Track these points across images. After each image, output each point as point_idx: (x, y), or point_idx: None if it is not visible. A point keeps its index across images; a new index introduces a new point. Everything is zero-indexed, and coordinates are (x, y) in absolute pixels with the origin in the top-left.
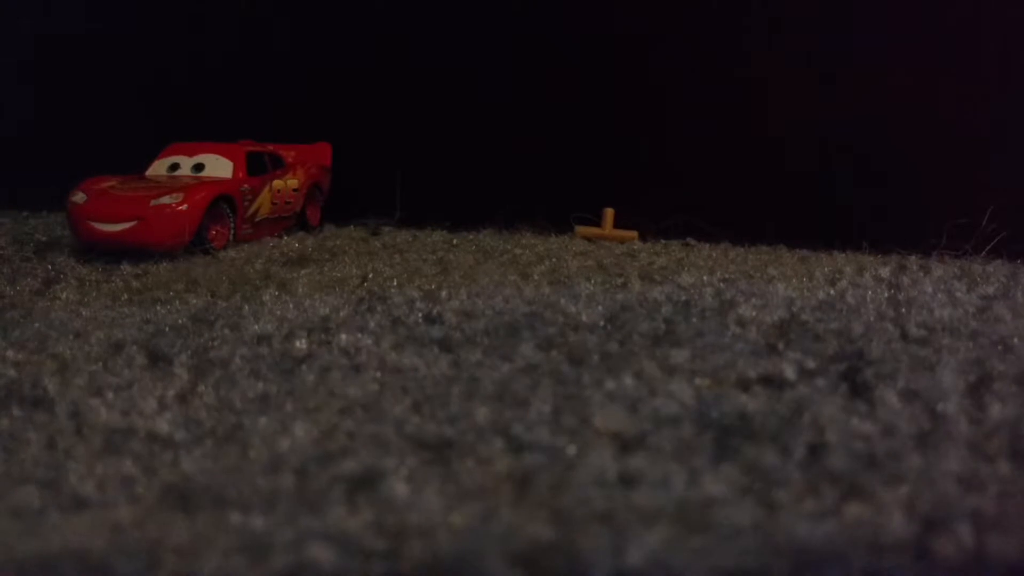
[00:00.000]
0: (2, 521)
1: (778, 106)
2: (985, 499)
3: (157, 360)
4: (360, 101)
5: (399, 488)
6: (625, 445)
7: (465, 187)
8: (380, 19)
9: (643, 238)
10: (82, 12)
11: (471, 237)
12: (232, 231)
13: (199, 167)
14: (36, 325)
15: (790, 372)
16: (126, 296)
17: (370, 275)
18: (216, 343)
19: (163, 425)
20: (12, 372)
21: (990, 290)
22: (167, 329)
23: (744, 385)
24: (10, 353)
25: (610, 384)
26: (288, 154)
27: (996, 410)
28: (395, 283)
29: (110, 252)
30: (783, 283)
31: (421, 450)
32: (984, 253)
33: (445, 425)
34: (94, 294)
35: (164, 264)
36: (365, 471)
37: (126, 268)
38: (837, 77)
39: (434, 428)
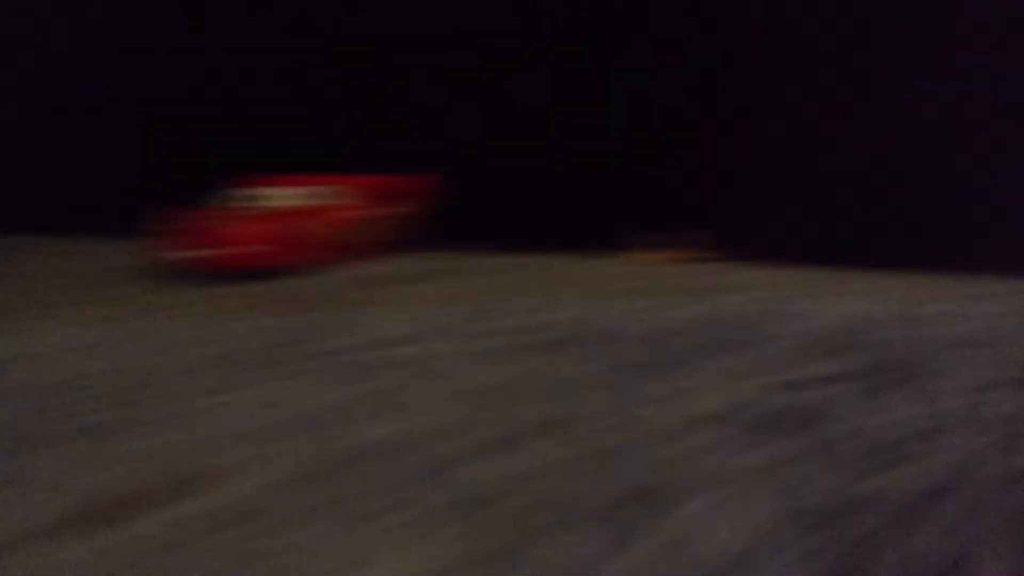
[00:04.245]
0: None
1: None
2: None
3: (237, 364)
4: (464, 136)
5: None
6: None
7: (524, 209)
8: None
9: (699, 259)
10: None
11: (545, 258)
12: (341, 254)
13: (308, 196)
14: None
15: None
16: (219, 313)
17: (475, 292)
18: (327, 351)
19: None
20: None
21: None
22: (253, 344)
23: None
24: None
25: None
26: (392, 185)
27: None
28: (499, 298)
29: (194, 276)
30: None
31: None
32: None
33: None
34: (184, 314)
35: (258, 286)
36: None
37: (214, 291)
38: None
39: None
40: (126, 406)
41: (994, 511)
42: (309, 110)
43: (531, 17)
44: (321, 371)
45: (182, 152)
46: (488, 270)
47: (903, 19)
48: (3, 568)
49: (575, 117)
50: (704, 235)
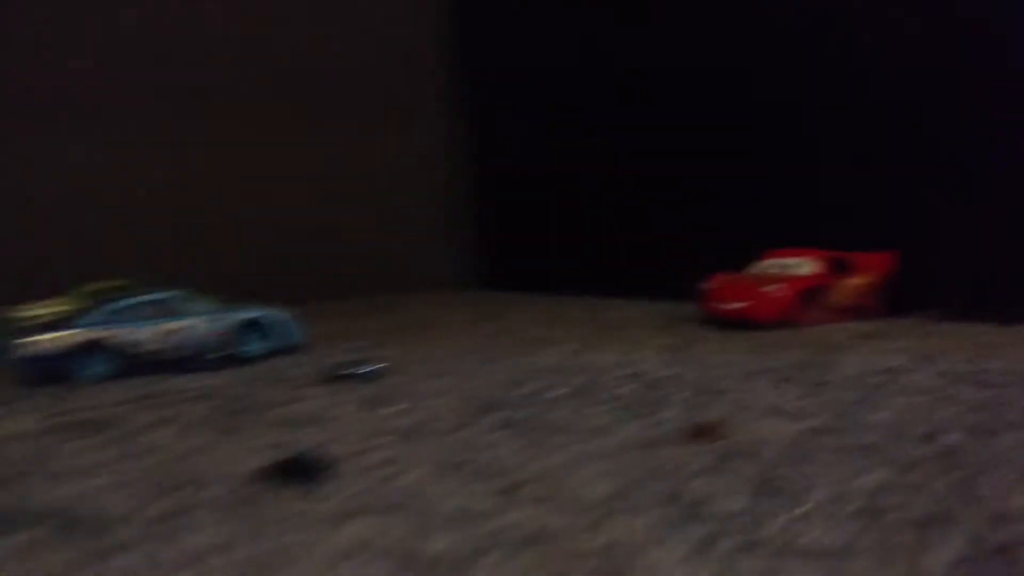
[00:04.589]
0: None
1: None
2: None
3: (781, 381)
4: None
5: None
6: None
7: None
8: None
9: None
10: None
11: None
12: (814, 314)
13: (791, 267)
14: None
15: None
16: (748, 347)
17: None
18: (823, 372)
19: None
20: None
21: None
22: (785, 364)
23: None
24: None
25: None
26: (859, 260)
27: None
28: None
29: (728, 324)
30: None
31: None
32: None
33: None
34: (726, 346)
35: (769, 333)
36: None
37: (740, 334)
38: None
39: None
40: (700, 395)
41: None
42: (822, 193)
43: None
44: (823, 383)
45: (728, 229)
46: (929, 333)
47: None
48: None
49: None
50: None
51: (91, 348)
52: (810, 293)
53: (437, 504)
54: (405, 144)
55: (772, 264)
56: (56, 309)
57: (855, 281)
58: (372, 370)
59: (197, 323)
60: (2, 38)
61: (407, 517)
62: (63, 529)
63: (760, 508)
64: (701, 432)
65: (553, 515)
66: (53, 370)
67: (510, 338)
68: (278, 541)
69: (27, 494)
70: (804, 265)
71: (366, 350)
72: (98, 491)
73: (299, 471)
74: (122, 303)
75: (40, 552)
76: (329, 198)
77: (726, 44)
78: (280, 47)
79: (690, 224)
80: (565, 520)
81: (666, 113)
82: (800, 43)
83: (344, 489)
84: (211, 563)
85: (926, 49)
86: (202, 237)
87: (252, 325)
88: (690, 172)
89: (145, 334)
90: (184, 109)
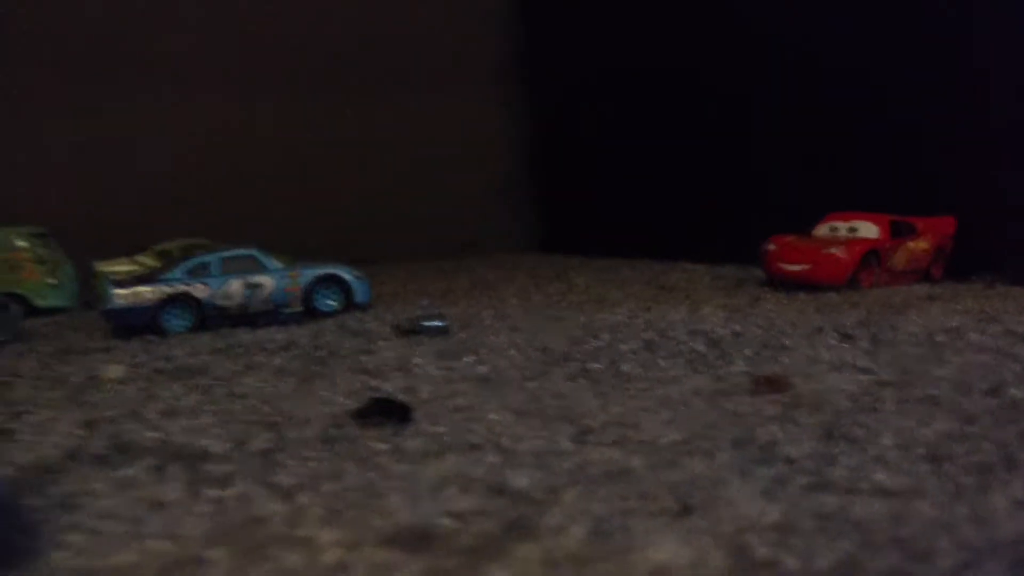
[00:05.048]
0: None
1: None
2: None
3: (845, 338)
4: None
5: None
6: None
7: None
8: None
9: None
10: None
11: None
12: (876, 276)
13: (853, 229)
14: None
15: None
16: (812, 307)
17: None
18: (886, 330)
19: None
20: None
21: None
22: (848, 322)
23: None
24: None
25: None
26: (920, 223)
27: None
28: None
29: (791, 286)
30: None
31: None
32: None
33: None
34: (789, 305)
35: (831, 294)
36: None
37: (803, 295)
38: None
39: None
40: (765, 351)
41: None
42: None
43: None
44: (886, 341)
45: (790, 191)
46: (990, 295)
47: None
48: None
49: None
50: None
51: (176, 301)
52: (871, 256)
53: (517, 445)
54: (468, 109)
55: (834, 226)
56: (134, 266)
57: (916, 244)
58: (443, 324)
59: (274, 279)
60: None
61: (490, 456)
62: (165, 464)
63: (828, 452)
64: (768, 384)
65: (631, 455)
66: (141, 322)
67: (574, 297)
68: (370, 476)
69: (132, 432)
70: (866, 228)
71: (434, 307)
72: (196, 430)
73: (385, 413)
74: (203, 259)
75: (144, 484)
76: (393, 163)
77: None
78: (349, 13)
79: (751, 186)
80: (643, 460)
81: (728, 73)
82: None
83: (427, 430)
84: (306, 497)
85: (998, 10)
86: (273, 199)
87: (325, 282)
88: (752, 133)
89: (226, 289)
90: (257, 73)
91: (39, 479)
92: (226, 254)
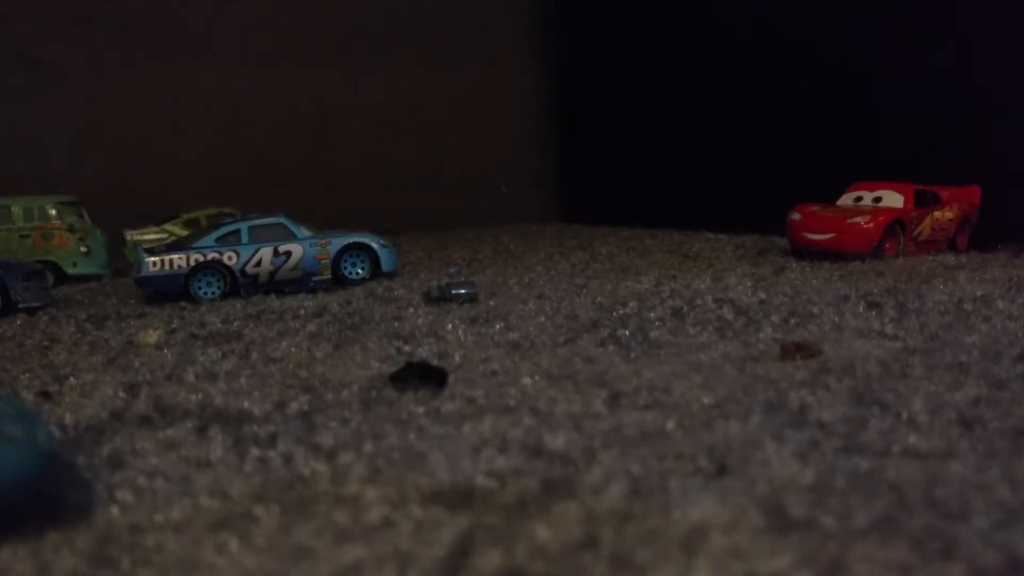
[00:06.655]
0: None
1: None
2: None
3: (872, 306)
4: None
5: None
6: None
7: None
8: None
9: None
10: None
11: None
12: (901, 246)
13: (878, 199)
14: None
15: None
16: (837, 275)
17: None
18: (913, 298)
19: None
20: None
21: None
22: (875, 291)
23: None
24: None
25: None
26: (945, 193)
27: None
28: None
29: (815, 255)
30: None
31: None
32: None
33: None
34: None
35: (856, 263)
36: None
37: (827, 264)
38: None
39: None
40: (792, 318)
41: None
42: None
43: None
44: (914, 308)
45: (815, 160)
46: (1017, 265)
47: None
48: None
49: None
50: None
51: (207, 268)
52: (897, 225)
53: (551, 408)
54: (493, 78)
55: (859, 196)
56: (163, 234)
57: (942, 214)
58: (473, 291)
59: (303, 247)
60: None
61: (525, 418)
62: (208, 425)
63: (860, 416)
64: (797, 349)
65: (665, 418)
66: (173, 289)
67: (599, 266)
68: (410, 438)
69: (173, 394)
70: (891, 197)
71: (463, 274)
72: (236, 393)
73: (420, 376)
74: (233, 226)
75: (189, 444)
76: (417, 132)
77: None
78: None
79: (776, 155)
80: (677, 422)
81: (754, 41)
82: None
83: (463, 393)
84: (348, 457)
85: None
86: (299, 168)
87: (353, 250)
88: (776, 102)
89: (256, 257)
90: (284, 42)
91: (86, 439)
92: (256, 222)
